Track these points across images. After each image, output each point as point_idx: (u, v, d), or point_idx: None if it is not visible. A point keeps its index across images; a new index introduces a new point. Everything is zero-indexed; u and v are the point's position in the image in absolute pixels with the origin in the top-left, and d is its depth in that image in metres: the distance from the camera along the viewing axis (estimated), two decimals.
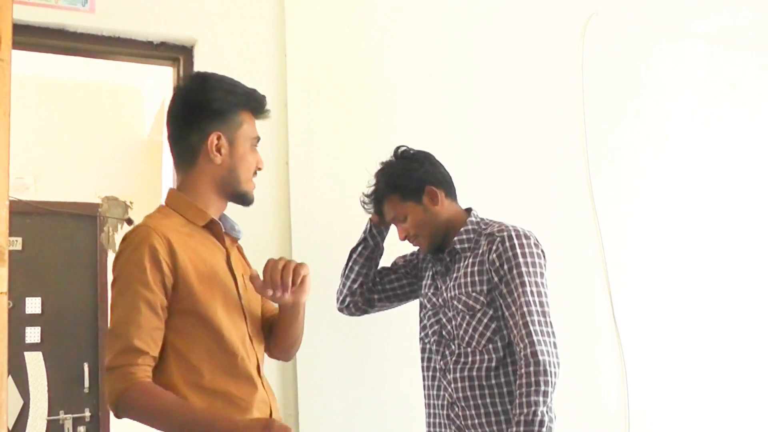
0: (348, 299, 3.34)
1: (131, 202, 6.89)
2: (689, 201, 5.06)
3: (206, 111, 2.43)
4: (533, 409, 2.74)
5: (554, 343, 2.87)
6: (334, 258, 3.42)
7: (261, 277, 2.36)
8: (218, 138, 2.41)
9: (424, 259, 3.34)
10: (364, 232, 3.34)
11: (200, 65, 3.79)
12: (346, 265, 3.35)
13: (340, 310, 3.40)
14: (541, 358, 2.79)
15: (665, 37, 5.21)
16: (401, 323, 3.61)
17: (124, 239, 2.34)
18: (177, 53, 3.86)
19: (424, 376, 3.24)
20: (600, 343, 4.58)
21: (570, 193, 4.65)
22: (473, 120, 4.40)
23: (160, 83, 6.02)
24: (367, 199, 3.22)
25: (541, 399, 2.75)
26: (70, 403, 6.43)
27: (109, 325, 2.29)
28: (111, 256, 6.72)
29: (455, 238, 3.11)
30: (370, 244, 3.32)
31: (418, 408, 3.28)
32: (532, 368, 2.78)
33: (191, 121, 2.45)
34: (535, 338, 2.82)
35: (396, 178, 3.12)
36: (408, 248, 3.37)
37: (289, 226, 3.80)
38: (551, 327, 2.90)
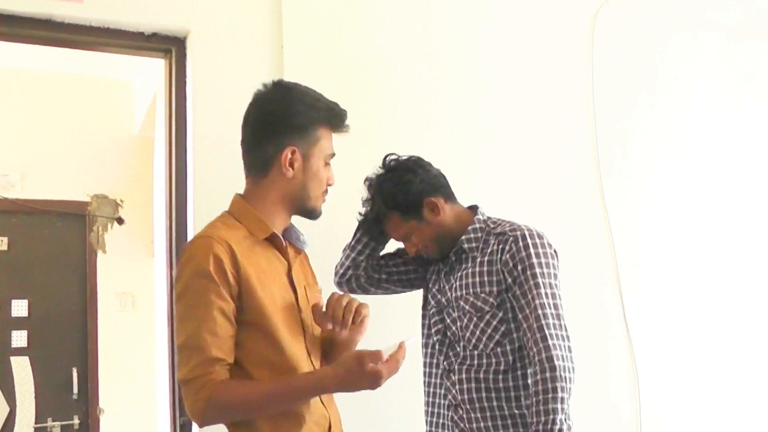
0: (350, 272, 3.27)
1: (122, 201, 6.88)
2: (703, 198, 5.06)
3: (286, 124, 2.46)
4: (552, 417, 2.74)
5: (569, 348, 2.86)
6: (335, 260, 3.40)
7: (324, 308, 2.48)
8: (293, 152, 2.44)
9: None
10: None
11: (193, 57, 3.79)
12: (354, 236, 3.29)
13: (339, 284, 3.33)
14: (557, 363, 2.78)
15: (678, 27, 5.20)
16: (402, 319, 3.62)
17: (184, 251, 2.38)
18: (169, 45, 3.85)
19: (425, 373, 3.24)
20: (611, 346, 4.59)
21: (579, 190, 4.65)
22: (479, 116, 4.39)
23: (151, 76, 5.99)
24: (365, 219, 3.21)
25: (559, 406, 2.74)
26: (59, 410, 6.42)
27: (178, 339, 2.34)
28: (101, 257, 6.72)
29: (463, 237, 3.10)
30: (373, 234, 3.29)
31: (418, 406, 3.28)
32: (548, 374, 2.77)
33: (269, 132, 2.48)
34: (550, 342, 2.81)
35: (393, 196, 3.08)
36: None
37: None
38: (566, 331, 2.89)
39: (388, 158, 3.17)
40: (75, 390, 6.46)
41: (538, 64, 4.65)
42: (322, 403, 2.45)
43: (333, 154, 2.53)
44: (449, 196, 3.18)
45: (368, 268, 3.28)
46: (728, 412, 4.86)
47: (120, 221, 6.80)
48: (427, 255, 3.19)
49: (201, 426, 2.32)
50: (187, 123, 3.81)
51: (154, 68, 5.26)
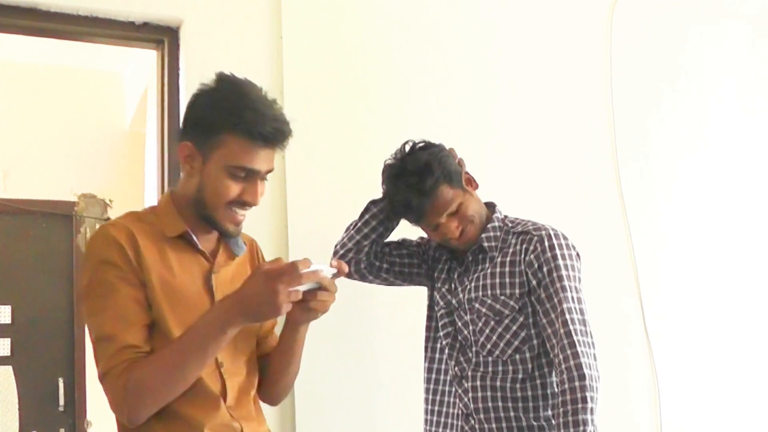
0: (351, 255, 3.20)
1: (111, 201, 6.89)
2: (728, 198, 5.05)
3: (190, 118, 2.44)
4: (582, 428, 2.73)
5: (595, 355, 2.86)
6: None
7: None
8: (189, 148, 2.39)
9: (437, 249, 3.28)
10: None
11: (187, 48, 3.79)
12: (361, 217, 3.21)
13: None
14: (586, 372, 2.78)
15: (700, 17, 5.20)
16: (404, 323, 3.62)
17: (85, 249, 2.36)
18: (161, 35, 3.85)
19: (429, 378, 3.23)
20: (630, 355, 4.59)
21: (597, 190, 4.66)
22: (491, 110, 4.39)
23: (142, 68, 6.01)
24: (407, 203, 3.03)
25: (588, 417, 2.74)
26: (44, 422, 6.42)
27: (92, 335, 2.29)
28: None
29: (483, 235, 3.07)
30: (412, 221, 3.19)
31: (415, 412, 3.28)
32: (577, 383, 2.77)
33: (182, 121, 2.48)
34: (579, 349, 2.81)
35: (445, 164, 3.00)
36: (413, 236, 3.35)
37: (286, 225, 3.80)
38: (591, 337, 2.89)
39: (412, 143, 3.09)
40: (61, 401, 6.45)
41: (554, 58, 4.65)
42: (230, 414, 2.38)
43: (244, 168, 2.36)
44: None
45: (370, 254, 3.22)
46: (754, 425, 4.85)
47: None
48: (461, 241, 3.08)
49: (131, 422, 2.24)
50: (181, 118, 3.80)
51: (146, 60, 5.28)
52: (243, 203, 2.41)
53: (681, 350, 4.72)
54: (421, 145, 3.07)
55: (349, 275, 3.20)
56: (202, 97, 2.41)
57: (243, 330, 2.38)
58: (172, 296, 2.33)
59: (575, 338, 2.82)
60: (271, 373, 2.62)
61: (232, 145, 2.34)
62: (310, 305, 2.32)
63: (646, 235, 4.71)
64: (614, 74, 4.77)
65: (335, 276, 2.32)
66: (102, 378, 2.25)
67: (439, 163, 2.97)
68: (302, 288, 2.21)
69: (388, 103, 4.14)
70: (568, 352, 2.81)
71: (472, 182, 3.09)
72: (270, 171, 2.43)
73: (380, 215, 3.17)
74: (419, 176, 2.96)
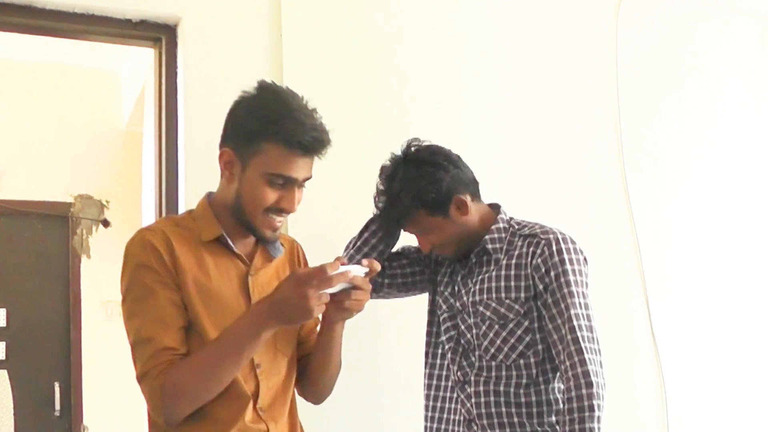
0: None
1: (107, 201, 6.89)
2: (736, 199, 5.05)
3: (231, 124, 2.49)
4: None
5: (601, 363, 2.85)
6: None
7: None
8: (228, 154, 2.46)
9: (438, 254, 3.25)
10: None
11: (185, 46, 3.78)
12: (360, 235, 3.20)
13: None
14: (593, 379, 2.77)
15: (710, 15, 5.19)
16: (406, 326, 3.61)
17: (125, 253, 2.44)
18: (159, 33, 3.85)
19: (429, 385, 3.22)
20: (637, 358, 4.59)
21: (603, 190, 4.65)
22: (494, 109, 4.38)
23: (139, 67, 6.00)
24: (382, 216, 3.10)
25: (596, 425, 2.74)
26: (39, 427, 6.43)
27: (130, 337, 2.38)
28: (85, 262, 6.72)
29: (486, 237, 3.05)
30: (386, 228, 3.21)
31: (416, 418, 3.26)
32: (584, 390, 2.76)
33: (223, 130, 2.53)
34: (586, 356, 2.79)
35: (422, 193, 2.97)
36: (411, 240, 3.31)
37: (286, 227, 3.79)
38: (598, 344, 2.87)
39: (411, 146, 3.08)
40: (57, 406, 6.46)
41: (559, 56, 4.65)
42: (258, 414, 2.45)
43: (282, 176, 2.44)
44: (476, 194, 3.11)
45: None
46: (763, 430, 4.85)
47: (105, 224, 6.81)
48: (441, 254, 3.15)
49: (168, 422, 2.33)
50: (178, 117, 3.80)
51: (143, 58, 5.27)
52: (280, 210, 2.48)
53: (688, 353, 4.71)
54: (419, 155, 3.04)
55: None
56: (242, 105, 2.48)
57: (283, 331, 2.50)
58: (208, 299, 2.41)
59: (582, 345, 2.81)
60: (311, 373, 2.70)
61: (271, 153, 2.40)
62: (344, 305, 2.39)
63: (652, 236, 4.70)
64: (620, 73, 4.76)
65: (367, 275, 2.39)
66: (140, 379, 2.33)
67: (415, 194, 2.96)
68: (333, 290, 2.28)
69: (391, 101, 4.14)
70: (575, 358, 2.80)
71: (462, 208, 3.01)
72: (308, 179, 2.52)
73: (379, 232, 3.17)
74: (390, 202, 3.02)
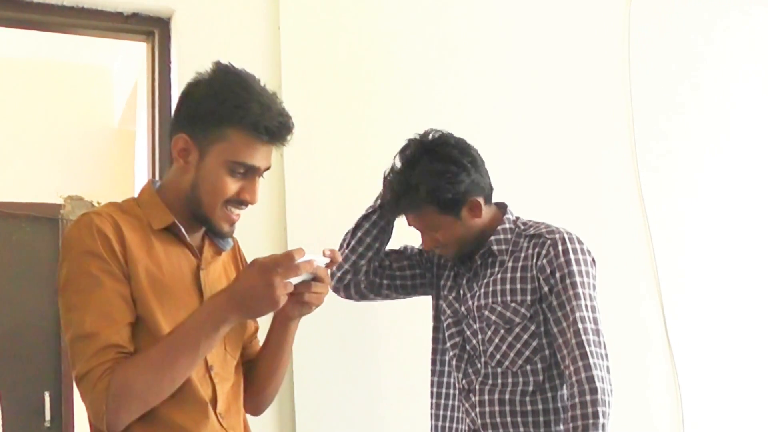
0: (349, 277, 3.20)
1: (99, 203, 6.86)
2: (755, 198, 5.04)
3: (188, 108, 2.41)
4: None
5: (608, 368, 2.85)
6: None
7: None
8: (184, 141, 2.37)
9: (442, 255, 3.25)
10: (381, 197, 3.19)
11: (179, 40, 3.79)
12: (353, 234, 3.20)
13: (336, 289, 3.24)
14: (598, 385, 2.77)
15: (727, 4, 5.18)
16: (411, 329, 3.61)
17: (64, 238, 2.33)
18: (151, 26, 3.86)
19: (435, 393, 3.22)
20: (650, 361, 4.59)
21: (616, 190, 4.66)
22: (502, 105, 4.38)
23: (131, 62, 6.00)
24: (391, 198, 3.06)
25: None
26: None
27: (67, 334, 2.25)
28: None
29: (492, 238, 3.06)
30: (387, 214, 3.17)
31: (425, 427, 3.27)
32: (588, 397, 2.76)
33: (174, 114, 2.47)
34: (591, 361, 2.80)
35: (440, 191, 2.96)
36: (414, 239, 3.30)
37: (285, 226, 3.81)
38: (605, 348, 2.88)
39: (431, 136, 3.06)
40: (47, 417, 6.44)
41: (569, 50, 4.66)
42: (220, 422, 2.36)
43: (245, 164, 2.36)
44: (490, 198, 3.12)
45: (369, 273, 3.22)
46: None
47: None
48: (442, 254, 3.16)
49: (111, 428, 2.19)
50: (172, 114, 3.80)
51: (135, 53, 5.27)
52: (240, 202, 2.40)
53: (705, 358, 4.72)
54: (445, 149, 3.02)
55: (348, 296, 3.27)
56: (200, 87, 2.39)
57: (232, 333, 2.39)
58: (161, 291, 2.31)
59: (587, 349, 2.82)
60: (258, 379, 2.61)
61: (235, 139, 2.33)
62: (304, 298, 2.33)
63: (667, 237, 4.71)
64: (633, 67, 4.76)
65: (328, 266, 2.33)
66: (79, 379, 2.20)
67: (433, 190, 2.95)
68: (297, 280, 2.22)
69: (393, 96, 4.14)
70: (580, 363, 2.80)
71: (475, 211, 3.02)
72: (268, 168, 2.43)
73: (373, 230, 3.18)
74: (405, 190, 2.98)
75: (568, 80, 4.61)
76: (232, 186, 2.36)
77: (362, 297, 3.28)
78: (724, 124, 5.02)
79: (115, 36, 4.02)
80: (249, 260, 2.33)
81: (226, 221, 2.40)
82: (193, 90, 2.41)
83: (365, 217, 3.20)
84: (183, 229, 2.41)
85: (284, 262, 2.14)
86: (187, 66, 3.75)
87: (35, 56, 6.70)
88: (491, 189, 3.12)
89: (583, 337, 2.83)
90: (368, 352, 3.91)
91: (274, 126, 2.32)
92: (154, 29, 3.85)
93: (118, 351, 2.19)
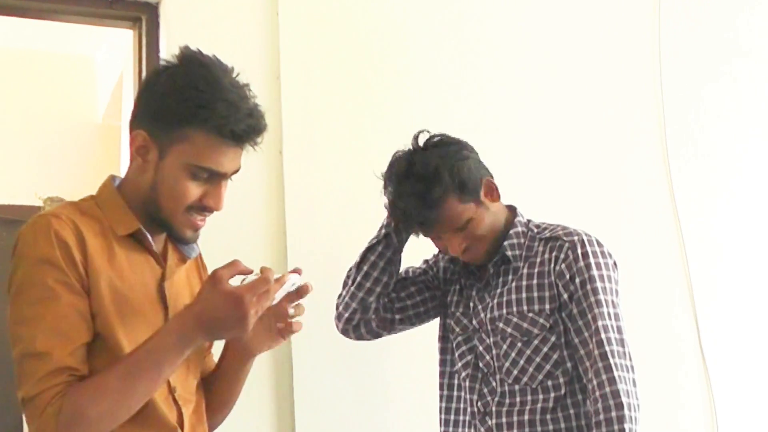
0: (358, 317, 3.17)
1: None
2: None
3: (147, 103, 2.36)
4: None
5: (634, 381, 2.82)
6: (338, 267, 3.35)
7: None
8: (142, 138, 2.32)
9: (447, 269, 3.25)
10: (385, 227, 3.16)
11: (168, 27, 3.79)
12: (358, 269, 3.16)
13: (345, 331, 3.24)
14: (624, 400, 2.74)
15: None
16: (418, 344, 3.61)
17: (18, 241, 2.26)
18: (138, 12, 3.86)
19: (443, 421, 3.19)
20: (683, 375, 4.58)
21: (645, 191, 4.66)
22: (520, 101, 4.38)
23: (116, 51, 6.01)
24: (408, 214, 2.98)
25: None
26: None
27: (15, 349, 2.19)
28: None
29: (505, 243, 3.02)
30: (394, 243, 3.13)
31: None
32: (614, 413, 2.73)
33: (134, 107, 2.41)
34: (615, 374, 2.77)
35: (457, 170, 2.93)
36: (415, 257, 3.31)
37: (284, 232, 3.80)
38: (630, 359, 2.85)
39: (421, 136, 3.04)
40: None
41: (594, 41, 4.68)
42: None
43: (208, 169, 2.31)
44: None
45: (380, 310, 3.18)
46: None
47: None
48: (466, 257, 3.05)
49: None
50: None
51: (120, 41, 5.26)
52: (203, 208, 2.35)
53: (741, 372, 4.71)
54: (436, 140, 3.02)
55: (359, 337, 3.25)
56: (161, 80, 2.34)
57: (195, 351, 2.34)
58: (123, 306, 2.27)
59: (611, 361, 2.79)
60: (214, 403, 2.57)
61: (197, 141, 2.27)
62: (293, 328, 2.37)
63: (701, 241, 4.70)
64: (663, 60, 4.76)
65: (299, 288, 2.33)
66: (26, 402, 2.15)
67: (451, 170, 2.92)
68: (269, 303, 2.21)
69: (401, 90, 4.14)
70: (603, 377, 2.78)
71: (492, 192, 3.01)
72: (236, 171, 2.38)
73: (380, 262, 3.14)
74: (426, 184, 2.92)
75: (595, 76, 4.62)
76: (194, 191, 2.31)
77: (374, 336, 3.25)
78: (760, 121, 5.01)
79: (98, 23, 4.02)
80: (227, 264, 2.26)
81: (189, 227, 2.36)
82: (153, 81, 2.37)
83: (370, 249, 3.16)
84: (150, 237, 2.37)
85: (259, 288, 2.13)
86: None
87: (11, 45, 6.70)
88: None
89: (606, 347, 2.81)
90: (373, 363, 3.91)
91: (240, 129, 2.27)
92: (141, 15, 3.85)
93: (70, 374, 2.14)
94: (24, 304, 2.19)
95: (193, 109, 2.24)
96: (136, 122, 2.35)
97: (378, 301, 3.16)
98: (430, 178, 2.91)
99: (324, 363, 3.76)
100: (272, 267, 2.21)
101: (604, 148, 4.53)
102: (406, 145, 3.04)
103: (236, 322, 2.12)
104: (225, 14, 3.87)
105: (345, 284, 3.21)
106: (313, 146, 3.91)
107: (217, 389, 2.56)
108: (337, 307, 3.23)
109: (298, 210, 3.84)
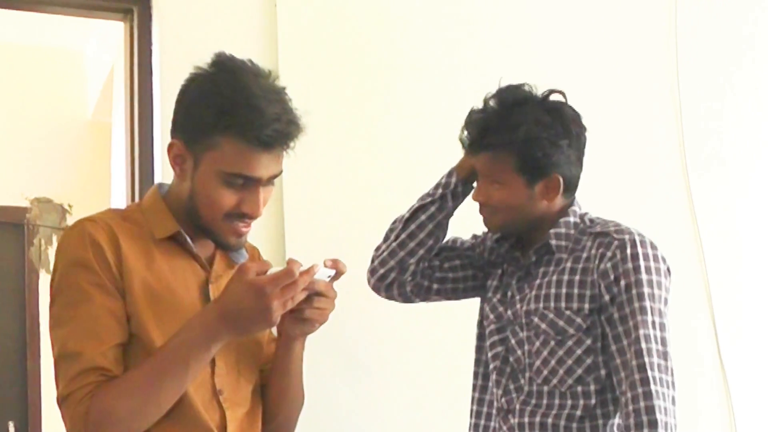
0: (393, 276, 3.08)
1: (70, 206, 6.88)
2: None
3: (182, 112, 2.40)
4: None
5: (674, 398, 2.73)
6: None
7: None
8: (177, 147, 2.38)
9: (493, 250, 3.14)
10: (443, 186, 3.08)
11: (161, 19, 3.77)
12: (404, 226, 3.08)
13: (376, 288, 3.15)
14: (659, 417, 2.66)
15: None
16: (419, 344, 3.60)
17: (58, 246, 2.36)
18: (130, 3, 3.85)
19: (474, 412, 3.12)
20: (701, 381, 4.58)
21: (662, 193, 4.66)
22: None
23: (107, 45, 6.00)
24: (473, 127, 2.92)
25: None
26: None
27: (54, 350, 2.28)
28: (44, 278, 6.70)
29: (551, 231, 2.92)
30: (448, 206, 3.06)
31: None
32: (646, 431, 2.66)
33: (173, 112, 2.45)
34: (653, 388, 2.69)
35: (536, 142, 2.83)
36: (465, 227, 3.23)
37: (283, 234, 3.81)
38: (672, 375, 2.76)
39: (546, 91, 2.97)
40: None
41: (608, 38, 4.68)
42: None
43: (241, 175, 2.34)
44: (570, 188, 2.99)
45: (417, 274, 3.10)
46: None
47: None
48: (482, 213, 2.97)
49: None
50: (153, 105, 3.80)
51: (111, 34, 5.25)
52: (242, 215, 2.38)
53: (760, 376, 4.71)
54: (557, 106, 2.94)
55: (390, 296, 3.17)
56: (192, 87, 2.38)
57: (246, 353, 2.44)
58: (159, 307, 2.31)
59: (650, 374, 2.70)
60: (268, 405, 2.58)
61: (226, 148, 2.31)
62: (305, 315, 2.33)
63: (719, 245, 4.70)
64: (681, 58, 4.77)
65: (332, 279, 2.32)
66: (61, 402, 2.23)
67: (532, 136, 2.83)
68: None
69: (405, 86, 4.13)
70: (639, 390, 2.69)
71: (550, 192, 2.90)
72: (276, 176, 2.41)
73: (429, 224, 3.06)
74: (501, 124, 2.85)
75: (610, 73, 4.63)
76: (230, 198, 2.35)
77: (405, 299, 3.17)
78: None
79: (87, 14, 4.01)
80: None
81: (231, 234, 2.41)
82: (184, 89, 2.41)
83: (421, 208, 3.08)
84: (189, 239, 2.41)
85: (283, 280, 2.14)
86: (171, 49, 3.75)
87: None
88: (576, 182, 3.00)
89: (646, 359, 2.72)
90: (374, 364, 3.90)
91: (266, 135, 2.29)
92: (133, 6, 3.84)
93: (101, 374, 2.20)
94: (60, 307, 2.29)
95: (217, 115, 2.28)
96: (172, 131, 2.41)
97: (418, 264, 3.09)
98: (507, 126, 2.84)
99: (325, 364, 3.76)
100: None
101: (620, 151, 4.51)
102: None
103: (259, 314, 2.15)
104: (221, 5, 3.85)
105: (386, 237, 3.14)
106: (314, 141, 3.86)
107: (271, 384, 2.58)
108: (373, 260, 3.15)
109: (296, 209, 3.83)
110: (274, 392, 2.58)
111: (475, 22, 4.32)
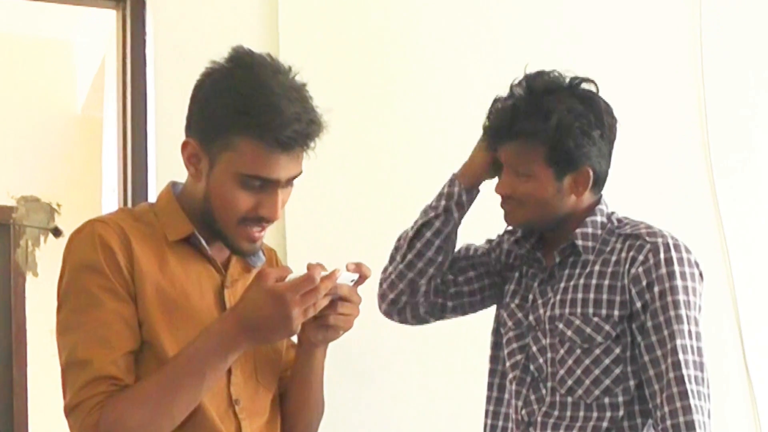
0: (405, 299, 3.06)
1: (59, 205, 6.87)
2: None
3: (197, 110, 2.40)
4: None
5: (710, 412, 2.71)
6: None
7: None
8: (192, 147, 2.38)
9: (510, 252, 3.12)
10: (446, 197, 3.04)
11: (155, 8, 3.76)
12: (410, 246, 3.04)
13: (388, 313, 3.14)
14: None
15: None
16: (421, 346, 3.59)
17: (65, 247, 2.34)
18: None
19: (490, 426, 3.10)
20: (727, 391, 4.57)
21: (686, 195, 4.68)
22: None
23: (98, 35, 5.99)
24: (501, 114, 2.89)
25: None
26: None
27: (62, 357, 2.27)
28: (30, 281, 6.69)
29: (578, 231, 2.89)
30: (454, 218, 3.02)
31: None
32: None
33: (188, 110, 2.44)
34: (692, 402, 2.66)
35: (569, 132, 2.80)
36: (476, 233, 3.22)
37: (284, 235, 3.81)
38: (708, 387, 2.74)
39: (577, 80, 2.93)
40: None
41: (632, 39, 4.69)
42: None
43: (259, 177, 2.33)
44: (599, 183, 2.96)
45: (430, 293, 3.07)
46: None
47: (56, 233, 6.79)
48: (504, 207, 2.94)
49: None
50: (147, 98, 3.78)
51: (102, 24, 5.24)
52: (259, 219, 2.38)
53: None
54: (588, 95, 2.91)
55: (403, 321, 3.15)
56: (207, 83, 2.37)
57: (265, 363, 2.45)
58: (173, 313, 2.32)
59: (688, 387, 2.67)
60: (288, 414, 2.59)
61: (243, 149, 2.30)
62: (329, 321, 2.32)
63: (746, 251, 4.71)
64: (705, 55, 4.79)
65: (356, 283, 2.31)
66: (68, 412, 2.22)
67: (565, 125, 2.80)
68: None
69: (411, 81, 4.14)
70: (678, 404, 2.66)
71: (579, 186, 2.87)
72: (295, 177, 2.41)
73: (436, 240, 3.02)
74: (532, 110, 2.82)
75: (631, 70, 4.63)
76: (247, 201, 2.34)
77: (419, 321, 3.16)
78: None
79: (77, 2, 4.00)
80: None
81: (245, 239, 2.40)
82: (199, 85, 2.40)
83: (426, 224, 3.04)
84: (203, 241, 2.41)
85: (303, 287, 2.14)
86: (166, 38, 3.74)
87: None
88: (605, 178, 2.98)
89: (684, 371, 2.69)
90: (374, 364, 3.90)
91: (285, 136, 2.27)
92: None
93: (112, 383, 2.20)
94: (68, 312, 2.28)
95: (234, 115, 2.28)
96: (186, 129, 2.41)
97: (429, 283, 3.06)
98: (538, 113, 2.82)
99: (330, 371, 3.75)
100: None
101: (644, 153, 4.52)
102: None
103: (279, 322, 2.16)
104: None
105: (392, 258, 3.11)
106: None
107: (291, 393, 2.58)
108: (381, 284, 3.12)
109: (297, 209, 3.82)
110: (294, 401, 2.58)
111: (491, 16, 4.31)
